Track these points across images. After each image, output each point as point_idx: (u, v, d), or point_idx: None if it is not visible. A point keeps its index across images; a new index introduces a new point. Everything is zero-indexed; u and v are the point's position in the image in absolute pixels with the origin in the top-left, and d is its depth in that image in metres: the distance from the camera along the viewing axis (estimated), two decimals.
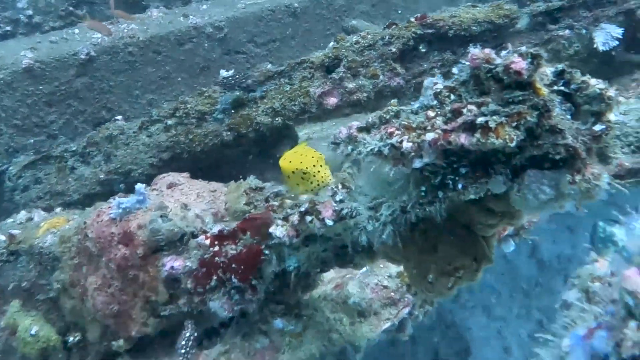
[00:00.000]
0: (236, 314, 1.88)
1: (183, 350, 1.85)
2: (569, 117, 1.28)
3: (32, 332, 2.19)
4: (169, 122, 3.72)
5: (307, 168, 1.66)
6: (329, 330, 1.98)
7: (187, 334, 1.88)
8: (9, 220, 2.84)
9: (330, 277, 2.31)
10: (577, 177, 1.27)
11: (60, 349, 2.22)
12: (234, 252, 1.80)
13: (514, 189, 1.37)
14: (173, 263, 1.95)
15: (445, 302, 5.47)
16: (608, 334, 0.86)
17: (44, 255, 2.29)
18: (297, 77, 3.58)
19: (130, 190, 2.16)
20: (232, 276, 1.81)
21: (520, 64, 1.18)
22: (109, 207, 2.10)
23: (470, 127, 1.23)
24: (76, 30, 4.53)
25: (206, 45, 4.80)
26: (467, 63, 1.28)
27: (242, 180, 2.15)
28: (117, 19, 4.45)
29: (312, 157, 1.66)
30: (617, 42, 3.60)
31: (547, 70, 1.25)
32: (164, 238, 1.95)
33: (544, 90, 1.21)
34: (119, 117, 4.27)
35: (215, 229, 1.88)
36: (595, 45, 3.66)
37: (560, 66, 1.27)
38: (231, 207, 2.07)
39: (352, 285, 2.20)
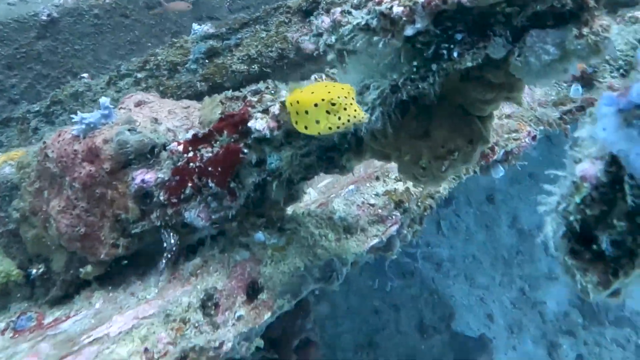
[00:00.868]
0: (213, 227, 1.74)
1: (165, 260, 1.71)
2: None
3: None
4: (139, 75, 3.52)
5: (338, 98, 1.28)
6: (313, 245, 1.86)
7: (171, 241, 1.73)
8: None
9: (314, 198, 2.19)
10: (585, 30, 1.18)
11: (23, 283, 2.04)
12: (210, 154, 1.66)
13: (514, 54, 1.27)
14: (144, 176, 1.79)
15: (427, 271, 5.49)
16: None
17: (1, 186, 2.09)
18: (274, 23, 3.42)
19: None
20: (209, 181, 1.66)
21: None
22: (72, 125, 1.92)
23: None
24: None
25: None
26: None
27: None
28: None
29: (343, 89, 1.31)
30: None
31: None
32: (132, 150, 1.79)
33: None
34: (85, 75, 4.05)
35: (189, 133, 1.73)
36: None
37: None
38: (206, 119, 1.92)
39: (338, 202, 2.08)
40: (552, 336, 5.68)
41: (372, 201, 2.12)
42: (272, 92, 1.63)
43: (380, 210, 2.08)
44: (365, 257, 2.09)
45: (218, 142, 1.65)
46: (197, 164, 1.68)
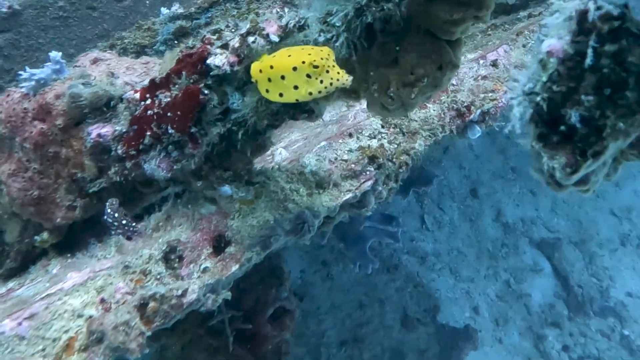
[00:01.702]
0: (176, 183, 1.64)
1: (114, 222, 1.58)
2: None
3: None
4: None
5: (320, 59, 1.15)
6: (284, 199, 1.77)
7: (110, 209, 1.61)
8: None
9: (285, 157, 2.10)
10: None
11: None
12: (169, 99, 1.56)
13: None
14: (100, 130, 1.68)
15: (412, 265, 5.45)
16: None
17: None
18: (245, 0, 3.36)
19: None
20: (168, 127, 1.56)
21: None
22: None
23: None
24: None
25: (147, 2, 4.54)
26: None
27: None
28: None
29: (322, 51, 1.18)
30: None
31: None
32: (86, 104, 1.68)
33: None
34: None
35: (145, 80, 1.63)
36: None
37: None
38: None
39: (309, 157, 2.00)
40: (538, 328, 5.68)
41: (345, 157, 2.05)
42: (232, 30, 1.54)
43: (353, 165, 2.01)
44: (340, 215, 2.01)
45: (177, 86, 1.56)
46: (156, 110, 1.58)
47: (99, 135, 1.67)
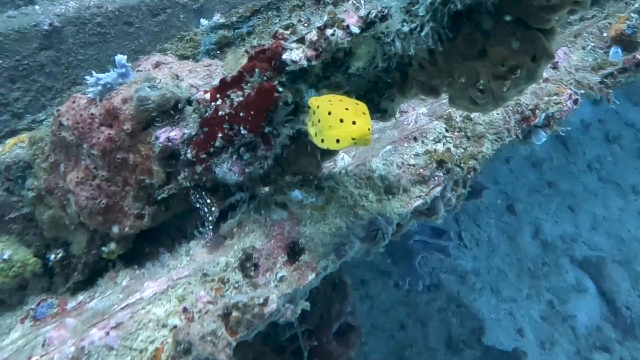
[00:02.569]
0: (248, 176, 1.56)
1: (208, 226, 1.52)
2: None
3: (5, 257, 1.82)
4: None
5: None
6: (354, 205, 1.68)
7: (207, 202, 1.55)
8: None
9: (348, 163, 2.02)
10: None
11: (40, 272, 1.85)
12: (241, 98, 1.51)
13: None
14: (168, 134, 1.63)
15: (452, 284, 5.27)
16: None
17: (12, 168, 1.94)
18: (287, 8, 3.34)
19: None
20: (241, 128, 1.50)
21: None
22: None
23: None
24: (36, 7, 4.25)
25: (182, 16, 4.60)
26: None
27: None
28: None
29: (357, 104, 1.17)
30: None
31: None
32: (154, 107, 1.64)
33: None
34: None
35: (216, 80, 1.58)
36: None
37: None
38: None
39: (376, 162, 1.91)
40: (586, 352, 5.40)
41: (412, 161, 1.95)
42: (305, 24, 1.48)
43: (422, 170, 1.91)
44: (410, 222, 1.90)
45: (249, 84, 1.50)
46: (227, 110, 1.52)
47: (167, 139, 1.62)
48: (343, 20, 1.35)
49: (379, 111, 1.60)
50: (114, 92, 1.73)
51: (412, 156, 1.97)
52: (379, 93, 1.57)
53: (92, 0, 4.16)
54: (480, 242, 5.79)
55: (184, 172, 1.62)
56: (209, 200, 1.55)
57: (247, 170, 1.54)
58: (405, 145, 2.01)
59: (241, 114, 1.50)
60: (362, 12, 1.34)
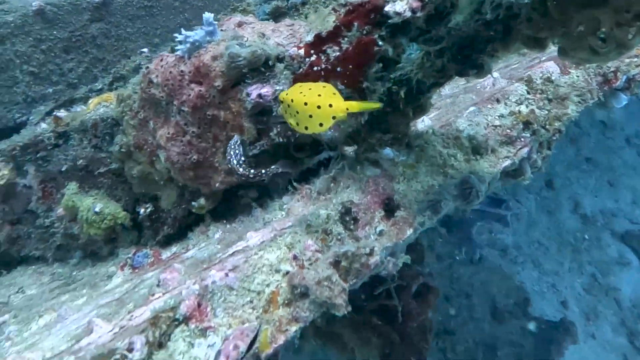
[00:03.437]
0: (343, 133, 1.56)
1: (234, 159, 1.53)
2: None
3: (96, 210, 1.90)
4: None
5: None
6: (443, 164, 1.66)
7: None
8: None
9: (428, 124, 1.99)
10: None
11: (130, 226, 1.93)
12: (338, 53, 1.49)
13: None
14: (260, 90, 1.64)
15: (494, 257, 5.23)
16: None
17: (99, 125, 1.99)
18: None
19: None
20: (338, 83, 1.49)
21: None
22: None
23: None
24: None
25: None
26: None
27: None
28: None
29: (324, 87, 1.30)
30: None
31: None
32: (245, 64, 1.64)
33: None
34: (145, 50, 4.01)
35: (310, 36, 1.57)
36: None
37: None
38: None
39: (461, 122, 1.87)
40: (632, 323, 5.33)
41: (497, 122, 1.90)
42: None
43: (508, 131, 1.86)
44: (493, 184, 1.87)
45: (346, 39, 1.48)
46: (323, 66, 1.51)
47: (259, 95, 1.63)
48: None
49: (474, 67, 1.55)
50: (203, 49, 1.74)
51: (497, 117, 1.92)
52: (476, 48, 1.52)
53: None
54: (520, 217, 5.73)
55: (276, 128, 1.63)
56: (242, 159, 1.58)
57: (342, 126, 1.53)
58: (489, 106, 1.96)
59: (338, 69, 1.49)
60: None
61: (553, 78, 2.16)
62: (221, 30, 1.91)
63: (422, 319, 1.98)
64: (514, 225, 5.69)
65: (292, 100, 1.29)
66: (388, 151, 1.62)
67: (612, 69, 2.30)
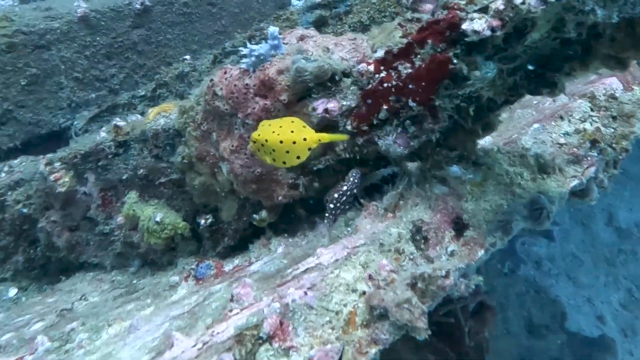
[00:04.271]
0: (412, 149, 1.54)
1: (332, 205, 1.55)
2: None
3: (157, 219, 1.93)
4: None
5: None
6: (510, 183, 1.62)
7: (351, 180, 1.57)
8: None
9: (489, 141, 1.95)
10: None
11: (189, 236, 1.95)
12: (410, 70, 1.48)
13: None
14: (326, 105, 1.64)
15: (527, 269, 5.11)
16: None
17: (161, 135, 2.03)
18: None
19: None
20: (409, 100, 1.48)
21: None
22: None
23: None
24: None
25: None
26: None
27: None
28: None
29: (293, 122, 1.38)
30: None
31: None
32: (311, 78, 1.65)
33: None
34: (187, 57, 4.09)
35: (380, 52, 1.56)
36: None
37: None
38: (382, 46, 1.75)
39: (526, 140, 1.84)
40: None
41: (561, 140, 1.86)
42: None
43: (575, 149, 1.81)
44: (561, 204, 1.82)
45: (419, 56, 1.47)
46: (394, 82, 1.50)
47: (325, 110, 1.63)
48: None
49: (547, 85, 1.52)
50: (267, 63, 1.75)
51: (562, 135, 1.88)
52: (552, 66, 1.49)
53: None
54: (553, 228, 5.61)
55: (342, 143, 1.62)
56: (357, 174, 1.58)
57: (412, 143, 1.52)
58: (553, 123, 1.92)
59: (410, 86, 1.48)
60: None
61: (617, 95, 2.10)
62: (284, 43, 1.92)
63: (479, 338, 1.95)
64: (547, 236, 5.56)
65: (266, 140, 1.35)
66: (455, 169, 1.60)
67: None
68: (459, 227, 1.48)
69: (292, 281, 1.25)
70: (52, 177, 2.09)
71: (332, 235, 1.55)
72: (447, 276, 1.27)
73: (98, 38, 3.92)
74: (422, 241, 1.40)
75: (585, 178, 1.77)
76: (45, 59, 3.72)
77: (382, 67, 1.54)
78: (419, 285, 1.24)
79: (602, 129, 1.94)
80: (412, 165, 1.67)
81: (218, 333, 1.15)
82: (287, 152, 1.34)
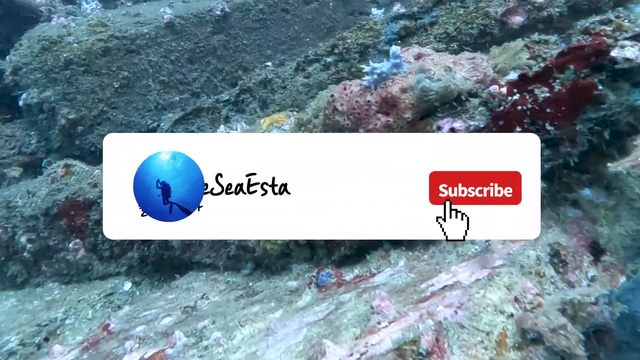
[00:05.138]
0: (544, 172, 1.55)
1: None
2: None
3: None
4: (328, 59, 3.52)
5: None
6: None
7: None
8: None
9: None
10: None
11: (304, 243, 2.01)
12: (548, 94, 1.48)
13: None
14: (452, 124, 1.67)
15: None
16: None
17: None
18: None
19: None
20: (547, 124, 1.49)
21: None
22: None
23: None
24: None
25: (331, 4, 4.72)
26: None
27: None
28: None
29: None
30: None
31: None
32: (436, 98, 1.68)
33: None
34: (269, 63, 4.22)
35: (513, 74, 1.58)
36: None
37: None
38: (506, 67, 1.77)
39: None
40: None
41: None
42: (628, 20, 1.41)
43: None
44: None
45: (558, 80, 1.47)
46: (529, 105, 1.51)
47: (452, 129, 1.66)
48: None
49: None
50: (389, 81, 1.79)
51: None
52: None
53: None
54: None
55: None
56: None
57: (546, 166, 1.53)
58: None
59: (548, 110, 1.48)
60: None
61: None
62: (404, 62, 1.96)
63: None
64: None
65: None
66: (587, 192, 1.59)
67: None
68: (596, 251, 1.47)
69: (433, 298, 1.29)
70: None
71: (459, 252, 1.58)
72: (596, 303, 1.27)
73: (182, 43, 4.12)
74: (561, 265, 1.41)
75: None
76: (135, 63, 3.95)
77: (515, 90, 1.55)
78: (569, 311, 1.25)
79: None
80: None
81: (373, 345, 1.20)
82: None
